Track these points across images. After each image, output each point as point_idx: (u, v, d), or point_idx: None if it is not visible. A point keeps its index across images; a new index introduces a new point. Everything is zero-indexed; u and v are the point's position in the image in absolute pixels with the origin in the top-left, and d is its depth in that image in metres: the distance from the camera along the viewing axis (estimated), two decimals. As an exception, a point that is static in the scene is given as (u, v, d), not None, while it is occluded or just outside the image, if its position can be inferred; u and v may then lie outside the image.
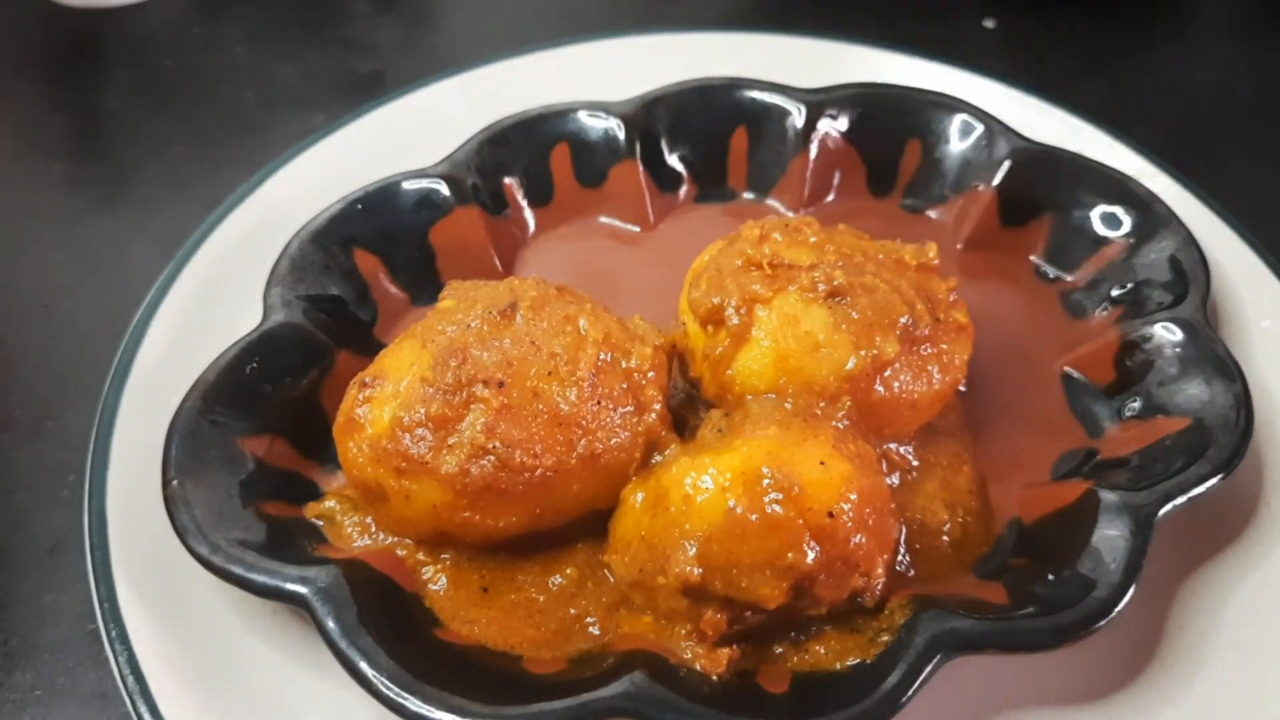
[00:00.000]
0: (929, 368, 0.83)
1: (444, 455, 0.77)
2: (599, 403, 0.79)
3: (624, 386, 0.80)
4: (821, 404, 0.81)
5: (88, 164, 1.39)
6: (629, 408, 0.80)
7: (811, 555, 0.71)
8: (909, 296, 0.84)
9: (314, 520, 0.85)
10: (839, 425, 0.79)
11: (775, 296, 0.83)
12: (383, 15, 1.66)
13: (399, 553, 0.82)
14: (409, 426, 0.77)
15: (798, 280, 0.84)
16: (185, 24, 1.62)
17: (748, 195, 1.16)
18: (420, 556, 0.83)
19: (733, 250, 0.88)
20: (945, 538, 0.84)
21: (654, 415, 0.80)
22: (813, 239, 0.88)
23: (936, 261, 0.88)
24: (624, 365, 0.81)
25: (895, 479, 0.86)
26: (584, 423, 0.78)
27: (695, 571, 0.72)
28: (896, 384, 0.82)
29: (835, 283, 0.83)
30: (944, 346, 0.84)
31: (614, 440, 0.79)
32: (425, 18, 1.68)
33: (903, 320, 0.82)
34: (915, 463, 0.87)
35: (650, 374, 0.81)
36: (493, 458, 0.76)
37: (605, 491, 0.81)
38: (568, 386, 0.78)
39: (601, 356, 0.80)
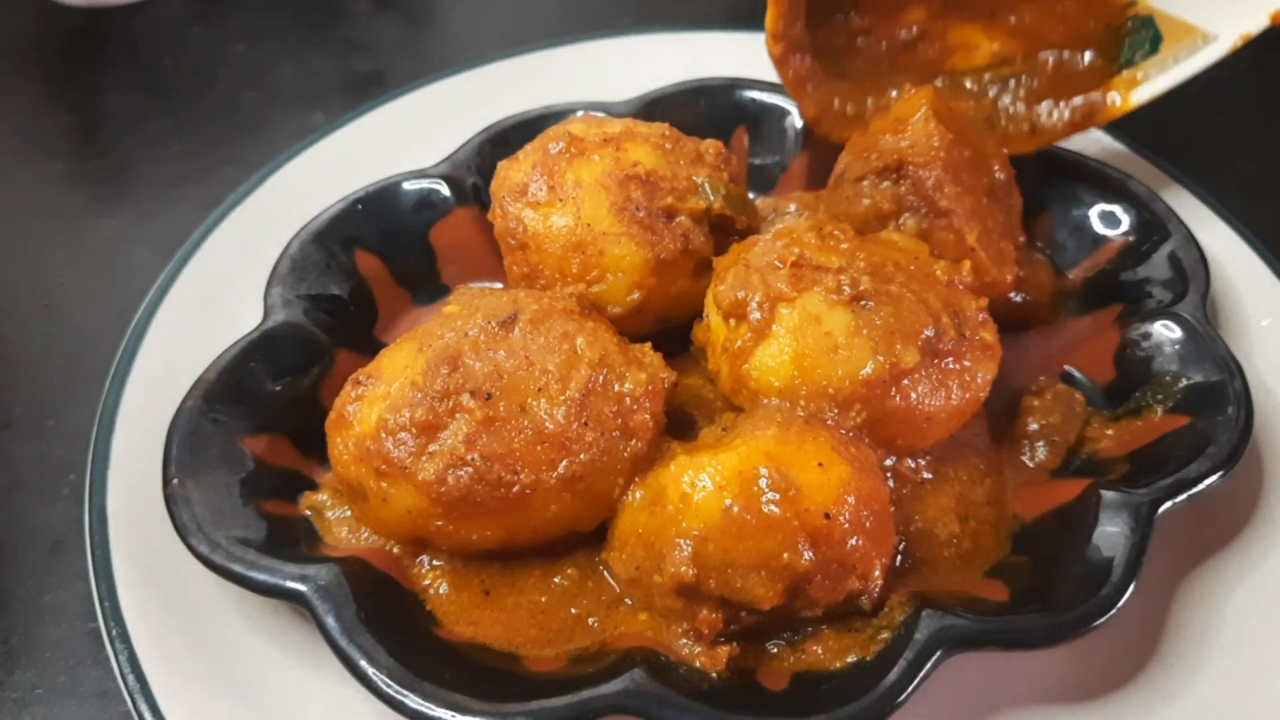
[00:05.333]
0: (949, 383, 0.83)
1: (423, 461, 0.76)
2: (585, 424, 0.78)
3: (614, 410, 0.79)
4: (833, 412, 0.81)
5: (88, 163, 1.40)
6: (616, 433, 0.79)
7: (807, 556, 0.71)
8: (935, 309, 0.83)
9: (305, 511, 0.85)
10: (843, 431, 0.79)
11: (799, 296, 0.83)
12: (383, 15, 1.66)
13: (394, 550, 0.83)
14: (393, 429, 0.77)
15: (823, 282, 0.84)
16: (185, 23, 1.62)
17: (748, 195, 1.16)
18: (419, 558, 0.83)
19: (762, 247, 0.89)
20: (954, 548, 0.83)
21: (641, 444, 0.79)
22: (844, 245, 0.88)
23: (970, 279, 0.88)
24: (616, 389, 0.80)
25: (906, 492, 0.86)
26: (567, 443, 0.77)
27: (690, 571, 0.72)
28: (914, 395, 0.82)
29: (861, 287, 0.82)
30: (967, 363, 0.83)
31: (597, 464, 0.78)
32: (425, 17, 1.68)
33: (926, 332, 0.82)
34: (928, 475, 0.87)
35: (644, 401, 0.80)
36: (470, 469, 0.76)
37: (585, 515, 0.80)
38: (555, 405, 0.78)
39: (593, 378, 0.79)
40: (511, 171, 0.95)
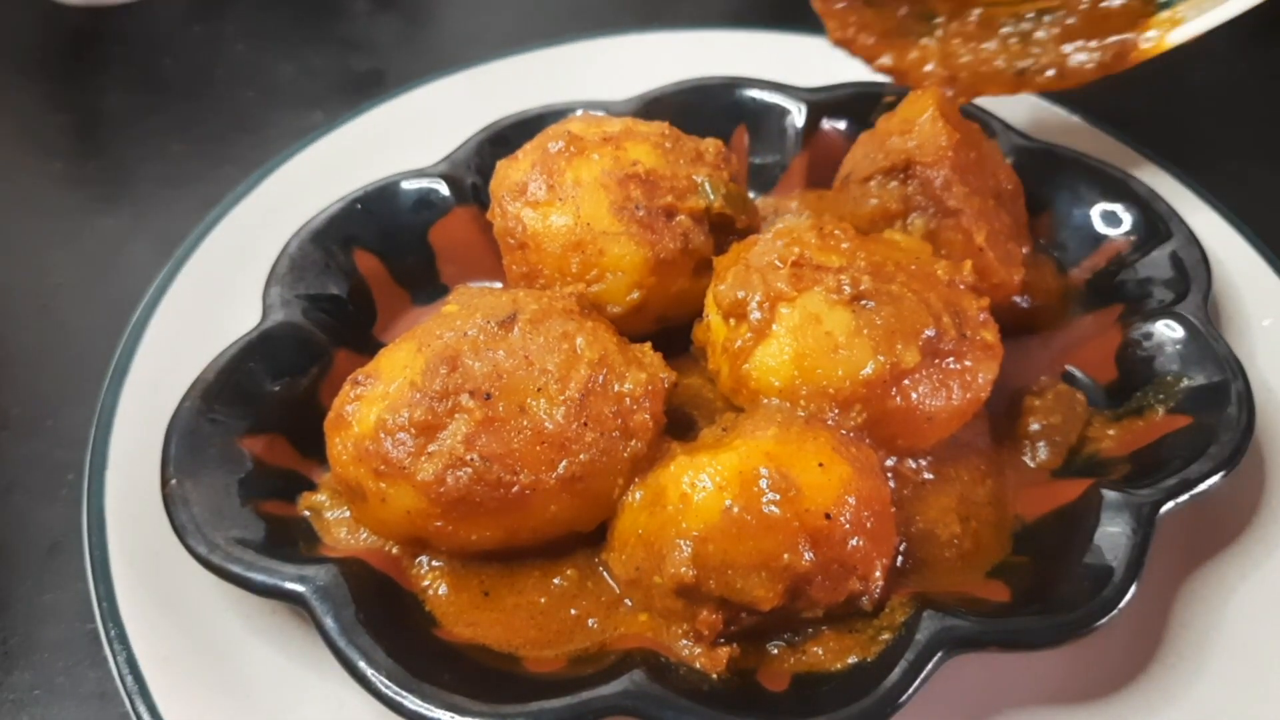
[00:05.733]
0: (950, 383, 0.83)
1: (422, 462, 0.76)
2: (585, 424, 0.77)
3: (613, 410, 0.79)
4: (834, 412, 0.81)
5: (87, 162, 1.40)
6: (615, 433, 0.78)
7: (807, 557, 0.71)
8: (936, 309, 0.83)
9: (303, 512, 0.85)
10: (843, 432, 0.79)
11: (800, 295, 0.83)
12: (382, 13, 1.66)
13: (393, 551, 0.82)
14: (392, 429, 0.77)
15: (823, 281, 0.83)
16: (185, 23, 1.62)
17: (749, 194, 1.16)
18: (418, 559, 0.83)
19: (763, 247, 0.89)
20: (956, 548, 0.83)
21: (641, 444, 0.79)
22: (845, 244, 0.88)
23: (971, 279, 0.88)
24: (616, 389, 0.80)
25: (907, 493, 0.86)
26: (567, 443, 0.77)
27: (689, 572, 0.72)
28: (914, 395, 0.81)
29: (861, 287, 0.82)
30: (968, 363, 0.83)
31: (596, 464, 0.77)
32: (424, 16, 1.68)
33: (927, 332, 0.81)
34: (929, 476, 0.87)
35: (644, 401, 0.80)
36: (469, 470, 0.75)
37: (584, 515, 0.80)
38: (555, 405, 0.77)
39: (593, 378, 0.79)
40: (511, 171, 0.95)
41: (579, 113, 1.09)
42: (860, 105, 1.13)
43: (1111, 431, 0.89)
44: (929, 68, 1.02)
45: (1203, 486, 0.78)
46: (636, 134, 0.95)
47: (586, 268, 0.90)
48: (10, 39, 1.59)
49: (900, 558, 0.81)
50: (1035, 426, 0.90)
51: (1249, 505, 0.87)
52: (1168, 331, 0.91)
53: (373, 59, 1.56)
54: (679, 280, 0.92)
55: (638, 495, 0.78)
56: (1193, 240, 0.98)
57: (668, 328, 0.95)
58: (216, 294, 1.03)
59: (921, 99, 0.97)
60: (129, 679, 0.76)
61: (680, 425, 0.88)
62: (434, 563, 0.82)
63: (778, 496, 0.71)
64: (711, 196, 0.92)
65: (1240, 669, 0.78)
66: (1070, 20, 1.01)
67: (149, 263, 1.10)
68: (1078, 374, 0.96)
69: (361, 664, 0.70)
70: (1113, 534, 0.77)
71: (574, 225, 0.90)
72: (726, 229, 0.95)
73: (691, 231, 0.91)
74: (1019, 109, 1.19)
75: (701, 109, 1.14)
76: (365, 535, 0.83)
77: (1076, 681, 0.78)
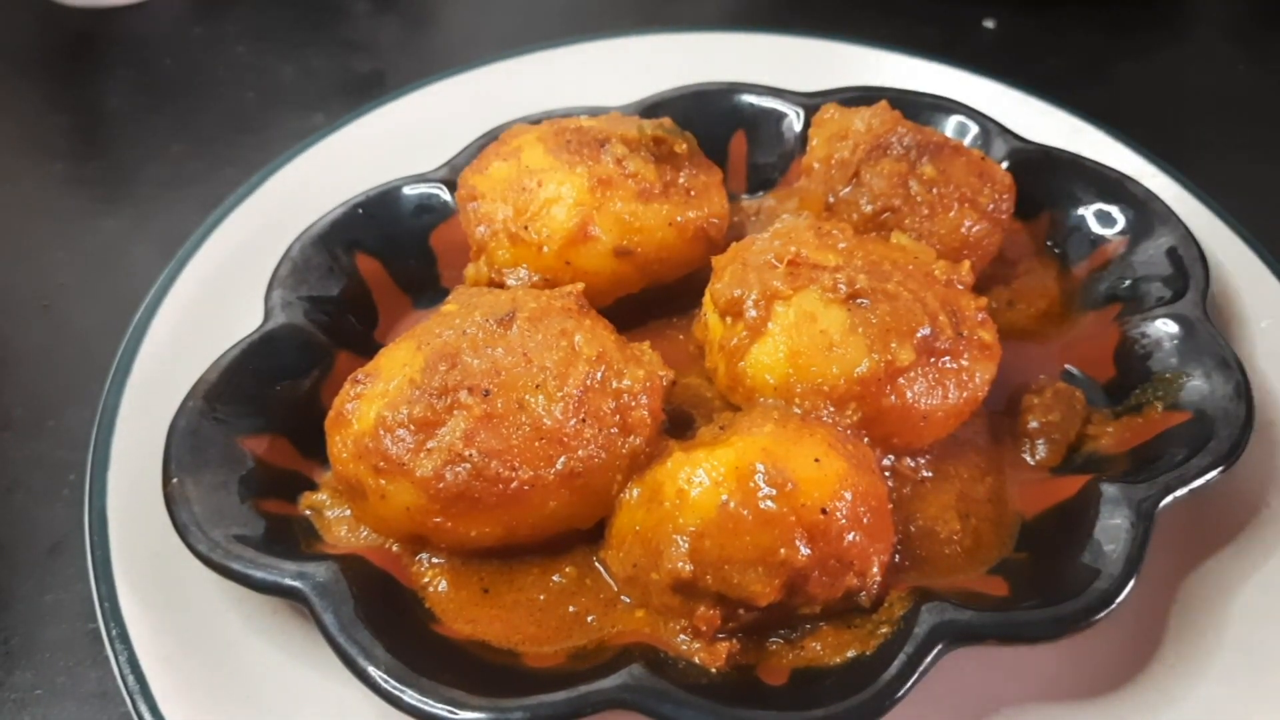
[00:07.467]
0: (946, 382, 0.83)
1: (421, 458, 0.76)
2: (583, 420, 0.78)
3: (612, 406, 0.79)
4: (829, 409, 0.81)
5: (88, 163, 1.40)
6: (614, 429, 0.78)
7: (804, 552, 0.71)
8: (932, 308, 0.83)
9: (304, 511, 0.85)
10: (839, 429, 0.79)
11: (795, 294, 0.83)
12: (383, 15, 1.67)
13: (393, 548, 0.83)
14: (391, 426, 0.77)
15: (819, 280, 0.84)
16: (185, 24, 1.62)
17: (747, 198, 1.16)
18: (418, 556, 0.83)
19: (760, 246, 0.89)
20: (956, 546, 0.83)
21: (640, 440, 0.79)
22: (842, 244, 0.88)
23: (970, 279, 0.88)
24: (614, 385, 0.80)
25: (907, 491, 0.86)
26: (566, 439, 0.77)
27: (686, 567, 0.72)
28: (909, 393, 0.82)
29: (857, 285, 0.83)
30: (964, 363, 0.84)
31: (595, 460, 0.78)
32: (425, 18, 1.69)
33: (922, 331, 0.82)
34: (928, 474, 0.87)
35: (642, 398, 0.80)
36: (468, 465, 0.76)
37: (583, 511, 0.80)
38: (553, 401, 0.77)
39: (592, 374, 0.79)
40: (468, 175, 0.99)
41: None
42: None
43: (1110, 429, 0.90)
44: None
45: (1202, 480, 0.79)
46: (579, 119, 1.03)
47: (529, 200, 0.93)
48: (10, 39, 1.60)
49: (899, 555, 0.81)
50: (1034, 424, 0.90)
51: (1248, 506, 0.87)
52: (1165, 329, 0.92)
53: (374, 60, 1.56)
54: (623, 200, 0.94)
55: (635, 493, 0.78)
56: (1189, 238, 0.98)
57: (661, 294, 0.98)
58: (217, 296, 1.03)
59: (821, 117, 1.05)
60: (130, 678, 0.76)
61: (680, 425, 0.89)
62: (434, 560, 0.82)
63: (774, 491, 0.72)
64: (647, 130, 0.98)
65: (1240, 669, 0.78)
66: None
67: (150, 264, 1.10)
68: (1076, 372, 0.96)
69: (360, 659, 0.70)
70: (1112, 528, 0.77)
71: (515, 168, 0.95)
72: (671, 160, 0.98)
73: (626, 157, 0.95)
74: (1018, 110, 1.19)
75: (701, 114, 1.14)
76: (366, 533, 0.83)
77: (1076, 681, 0.78)
